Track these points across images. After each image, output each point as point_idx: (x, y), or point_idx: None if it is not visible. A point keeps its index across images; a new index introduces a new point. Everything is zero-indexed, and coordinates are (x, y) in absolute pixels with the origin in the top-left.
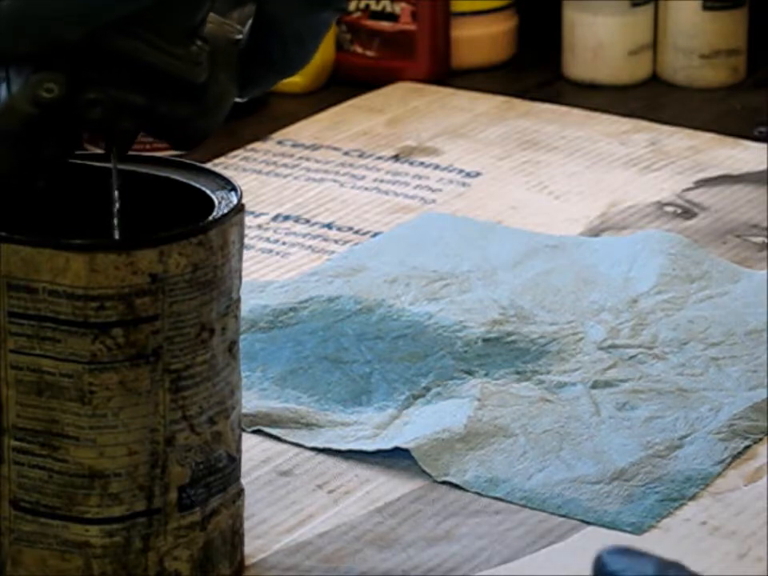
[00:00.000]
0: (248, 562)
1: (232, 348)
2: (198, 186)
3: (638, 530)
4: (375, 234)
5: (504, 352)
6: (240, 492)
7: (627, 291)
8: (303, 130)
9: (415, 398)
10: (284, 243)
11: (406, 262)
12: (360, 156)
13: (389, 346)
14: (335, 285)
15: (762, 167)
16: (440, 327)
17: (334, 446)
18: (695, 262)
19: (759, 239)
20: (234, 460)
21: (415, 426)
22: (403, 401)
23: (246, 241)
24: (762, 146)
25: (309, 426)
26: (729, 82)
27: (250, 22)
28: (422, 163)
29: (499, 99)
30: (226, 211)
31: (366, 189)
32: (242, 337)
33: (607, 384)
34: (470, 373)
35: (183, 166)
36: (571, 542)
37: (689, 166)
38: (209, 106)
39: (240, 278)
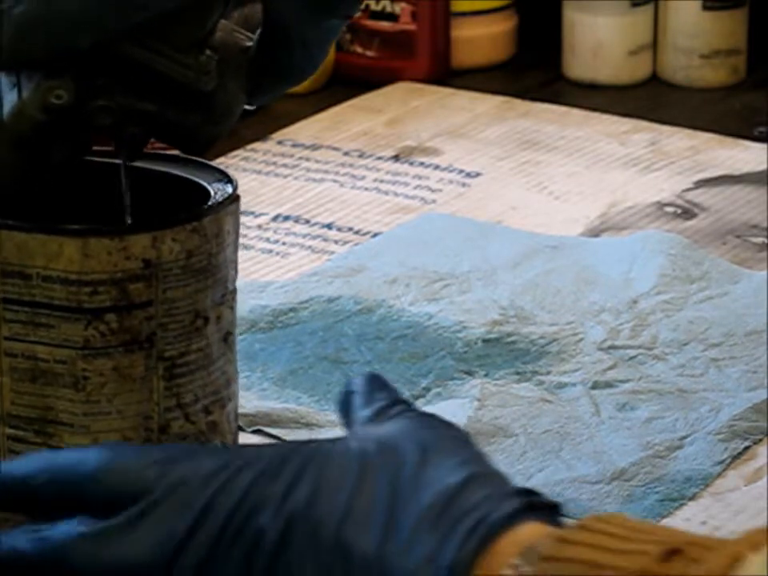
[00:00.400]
0: None
1: (227, 338)
2: (194, 178)
3: None
4: (375, 235)
5: (504, 352)
6: None
7: (627, 292)
8: (303, 130)
9: (415, 398)
10: (284, 243)
11: (406, 262)
12: (360, 156)
13: (389, 346)
14: (335, 285)
15: (762, 167)
16: (440, 327)
17: None
18: (695, 263)
19: (759, 239)
20: None
21: None
22: None
23: (246, 241)
24: (762, 145)
25: (309, 425)
26: (729, 82)
27: (258, 29)
28: (422, 163)
29: (499, 99)
30: (221, 200)
31: (366, 189)
32: (241, 337)
33: (607, 384)
34: (469, 373)
35: (181, 160)
36: None
37: (689, 166)
38: (217, 113)
39: (236, 269)
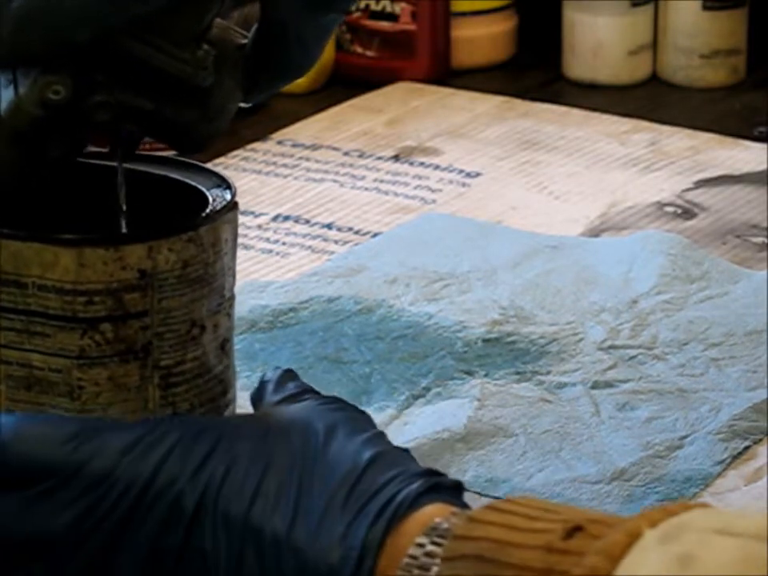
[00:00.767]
0: None
1: (224, 346)
2: (193, 183)
3: None
4: (375, 235)
5: (504, 352)
6: None
7: (627, 292)
8: (303, 130)
9: (415, 398)
10: (284, 243)
11: (406, 262)
12: (360, 156)
13: (389, 346)
14: (335, 285)
15: (762, 167)
16: (440, 327)
17: None
18: (695, 263)
19: (759, 239)
20: None
21: (415, 426)
22: (403, 401)
23: (246, 241)
24: (762, 145)
25: None
26: (729, 82)
27: (254, 26)
28: (422, 163)
29: (499, 99)
30: (218, 208)
31: (366, 189)
32: (241, 337)
33: (607, 384)
34: (469, 373)
35: (180, 164)
36: None
37: (689, 166)
38: (213, 110)
39: (234, 276)
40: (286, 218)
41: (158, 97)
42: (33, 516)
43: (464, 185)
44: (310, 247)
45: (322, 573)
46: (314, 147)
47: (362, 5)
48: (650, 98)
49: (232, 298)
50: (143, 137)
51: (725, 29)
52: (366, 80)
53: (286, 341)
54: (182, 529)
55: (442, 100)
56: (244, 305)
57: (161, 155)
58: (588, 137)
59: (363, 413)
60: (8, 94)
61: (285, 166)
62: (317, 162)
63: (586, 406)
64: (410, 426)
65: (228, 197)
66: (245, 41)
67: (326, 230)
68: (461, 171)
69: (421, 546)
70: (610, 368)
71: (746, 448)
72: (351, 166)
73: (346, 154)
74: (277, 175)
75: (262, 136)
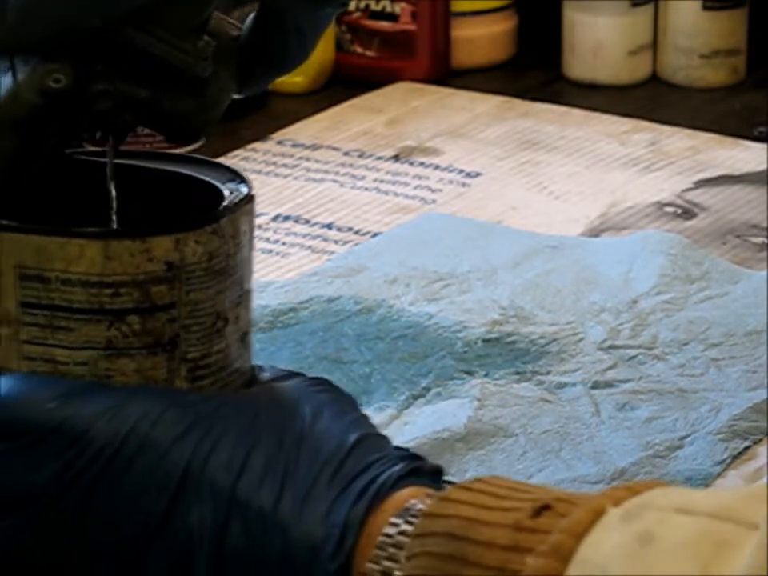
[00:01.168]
0: None
1: (244, 338)
2: (206, 178)
3: None
4: (375, 235)
5: (504, 352)
6: None
7: (627, 292)
8: (303, 130)
9: (415, 398)
10: (284, 243)
11: (406, 262)
12: (360, 156)
13: (389, 346)
14: (335, 285)
15: (762, 167)
16: (440, 327)
17: None
18: (695, 263)
19: (759, 239)
20: None
21: (415, 426)
22: (403, 401)
23: None
24: (762, 145)
25: None
26: (729, 82)
27: (250, 18)
28: (422, 163)
29: (499, 99)
30: (237, 200)
31: (366, 189)
32: None
33: (607, 384)
34: (469, 373)
35: (190, 160)
36: None
37: (689, 166)
38: (209, 101)
39: (251, 269)
40: (286, 218)
41: (156, 87)
42: (13, 469)
43: (464, 185)
44: (309, 247)
45: (305, 549)
46: (314, 147)
47: (362, 5)
48: (650, 98)
49: (250, 290)
50: (135, 127)
51: (725, 29)
52: (366, 80)
53: (286, 341)
54: (167, 495)
55: (442, 100)
56: None
57: (171, 153)
58: (588, 137)
59: (348, 395)
60: (6, 81)
61: (285, 166)
62: (317, 162)
63: (586, 406)
64: (410, 426)
65: (244, 190)
66: (238, 32)
67: (325, 230)
68: (461, 171)
69: (395, 525)
70: (610, 368)
71: (746, 448)
72: (351, 166)
73: (346, 154)
74: (277, 175)
75: (261, 136)
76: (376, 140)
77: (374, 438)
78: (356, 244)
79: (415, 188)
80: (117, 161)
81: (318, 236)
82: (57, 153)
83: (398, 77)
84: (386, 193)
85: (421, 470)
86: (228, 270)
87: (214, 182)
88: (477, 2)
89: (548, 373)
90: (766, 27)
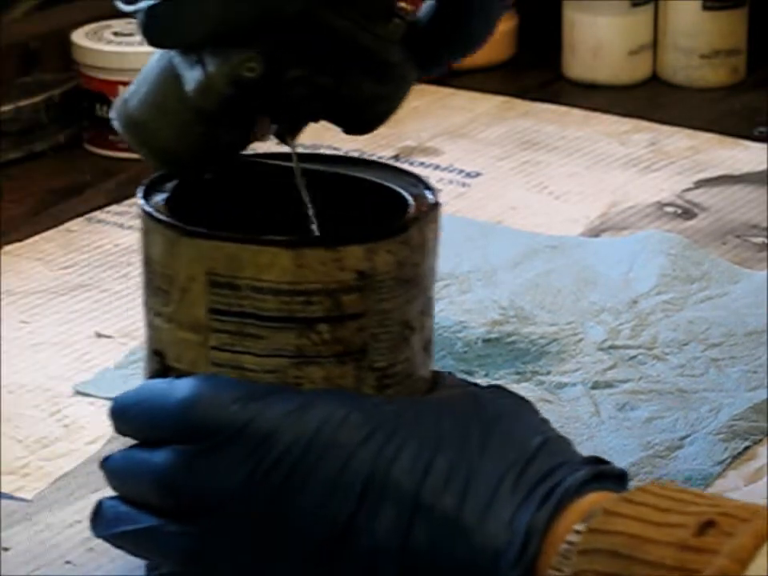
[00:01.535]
0: None
1: (427, 346)
2: (389, 185)
3: None
4: None
5: (504, 352)
6: None
7: (627, 292)
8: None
9: None
10: None
11: None
12: (360, 156)
13: None
14: None
15: (762, 167)
16: (440, 328)
17: None
18: (695, 263)
19: (759, 239)
20: None
21: None
22: None
23: None
24: (762, 145)
25: None
26: (729, 82)
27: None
28: (422, 163)
29: (499, 99)
30: (424, 209)
31: None
32: None
33: (607, 384)
34: (469, 373)
35: (368, 163)
36: None
37: (689, 166)
38: (392, 87)
39: (434, 276)
40: None
41: (342, 73)
42: (200, 472)
43: (464, 185)
44: None
45: (488, 555)
46: (314, 147)
47: None
48: (650, 98)
49: (432, 298)
50: (320, 117)
51: (725, 29)
52: None
53: None
54: (353, 498)
55: (442, 100)
56: None
57: (341, 155)
58: (588, 137)
59: (528, 401)
60: (195, 74)
61: None
62: None
63: (586, 406)
64: None
65: (429, 196)
66: (413, 17)
67: None
68: (461, 171)
69: (579, 532)
70: (610, 368)
71: (746, 448)
72: None
73: (345, 153)
74: None
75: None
76: (376, 140)
77: (557, 442)
78: None
79: None
80: (283, 163)
81: None
82: (235, 149)
83: None
84: None
85: (605, 474)
86: (415, 279)
87: (395, 187)
88: None
89: (548, 373)
90: (766, 27)
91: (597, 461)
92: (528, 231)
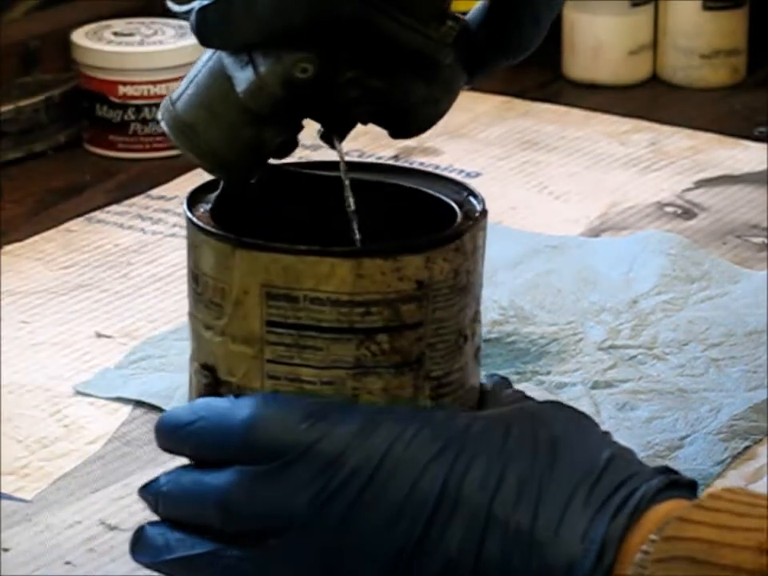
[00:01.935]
0: None
1: (477, 354)
2: (433, 192)
3: None
4: None
5: (504, 352)
6: None
7: (627, 292)
8: (304, 130)
9: None
10: None
11: None
12: (360, 156)
13: None
14: None
15: (762, 167)
16: None
17: None
18: (695, 263)
19: (759, 239)
20: None
21: None
22: None
23: None
24: (762, 145)
25: None
26: (729, 82)
27: (479, 4)
28: (421, 163)
29: (499, 99)
30: (475, 216)
31: None
32: None
33: (607, 384)
34: None
35: (411, 171)
36: None
37: (689, 166)
38: (441, 90)
39: (482, 283)
40: None
41: (392, 76)
42: (266, 494)
43: None
44: None
45: (563, 567)
46: (314, 147)
47: None
48: (650, 98)
49: (479, 305)
50: (369, 120)
51: (725, 29)
52: None
53: None
54: (424, 517)
55: None
56: None
57: (382, 163)
58: (588, 137)
59: (586, 414)
60: (246, 75)
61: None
62: None
63: (586, 406)
64: None
65: (476, 203)
66: (460, 20)
67: None
68: (461, 171)
69: (653, 541)
70: (610, 368)
71: (746, 448)
72: None
73: (346, 154)
74: None
75: None
76: (376, 140)
77: (624, 454)
78: None
79: None
80: (346, 171)
81: None
82: (283, 152)
83: None
84: None
85: (678, 483)
86: (468, 287)
87: (439, 195)
88: (477, 1)
89: (548, 373)
90: (766, 27)
91: (668, 470)
92: (528, 231)
